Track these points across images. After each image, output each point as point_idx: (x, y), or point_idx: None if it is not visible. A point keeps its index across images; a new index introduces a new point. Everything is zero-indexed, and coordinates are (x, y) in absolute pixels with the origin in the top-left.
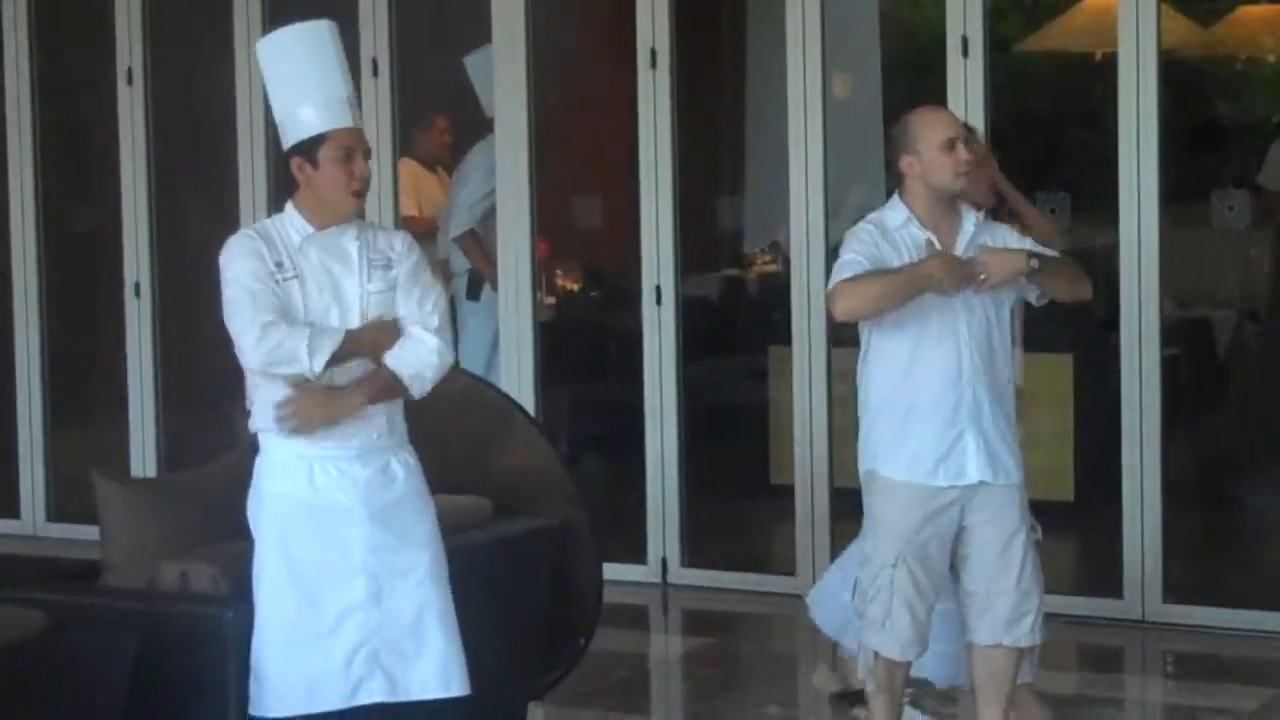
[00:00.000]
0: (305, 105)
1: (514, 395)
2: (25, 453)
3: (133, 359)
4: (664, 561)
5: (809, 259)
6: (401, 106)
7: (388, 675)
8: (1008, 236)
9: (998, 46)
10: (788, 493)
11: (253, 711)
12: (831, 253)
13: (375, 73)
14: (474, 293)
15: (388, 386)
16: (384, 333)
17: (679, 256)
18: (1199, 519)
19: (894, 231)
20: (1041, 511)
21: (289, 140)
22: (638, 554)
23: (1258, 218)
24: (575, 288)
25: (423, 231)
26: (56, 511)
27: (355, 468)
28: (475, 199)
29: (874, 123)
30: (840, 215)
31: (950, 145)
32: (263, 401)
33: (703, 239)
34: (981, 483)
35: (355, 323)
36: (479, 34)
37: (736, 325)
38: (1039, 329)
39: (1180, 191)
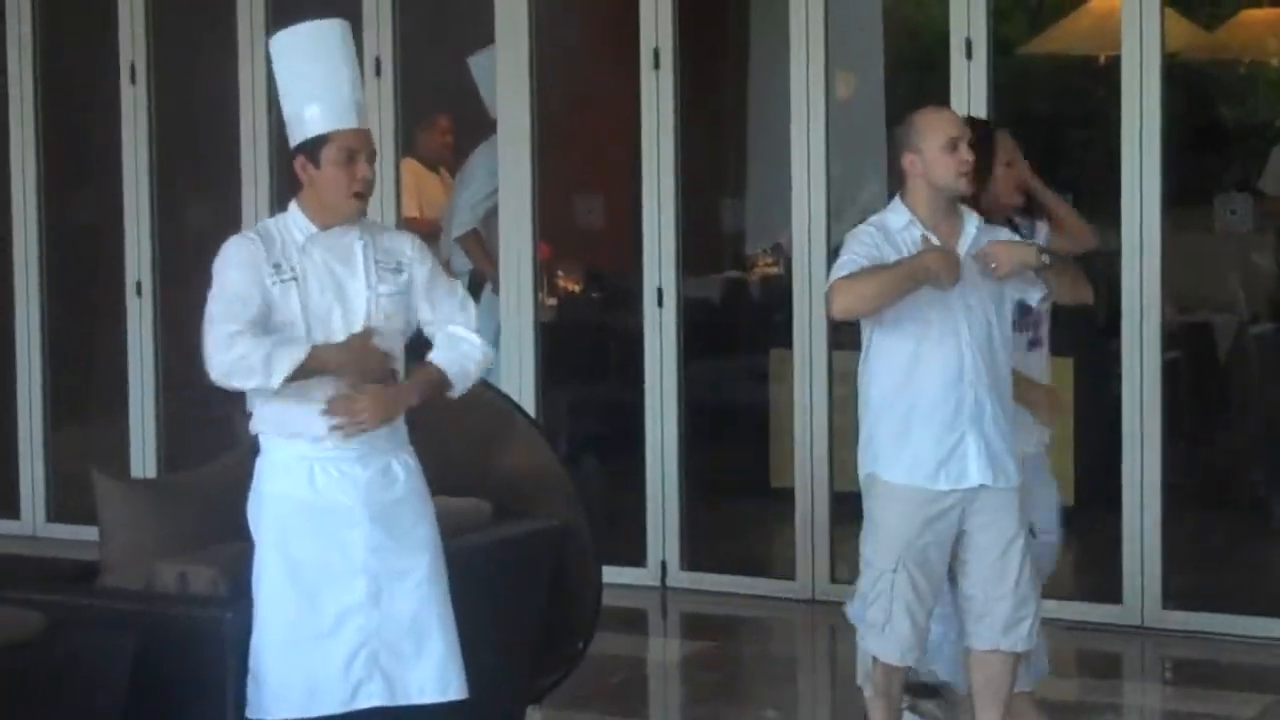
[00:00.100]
0: (311, 104)
1: (515, 396)
2: (25, 452)
3: (133, 358)
4: (663, 564)
5: (811, 261)
6: (404, 106)
7: (387, 678)
8: (1010, 239)
9: (1001, 48)
10: (788, 496)
11: (250, 714)
12: (833, 255)
13: (378, 72)
14: (475, 294)
15: (437, 384)
16: (367, 355)
17: (680, 258)
18: (1199, 524)
19: (896, 233)
20: None
21: (294, 139)
22: (637, 557)
23: (1259, 222)
24: (576, 289)
25: (424, 232)
26: (56, 511)
27: (356, 469)
28: (477, 199)
29: (877, 124)
30: (846, 217)
31: (953, 145)
32: (264, 404)
33: (704, 240)
34: (982, 486)
35: (359, 324)
36: (482, 34)
37: (738, 327)
38: None
39: (1182, 195)
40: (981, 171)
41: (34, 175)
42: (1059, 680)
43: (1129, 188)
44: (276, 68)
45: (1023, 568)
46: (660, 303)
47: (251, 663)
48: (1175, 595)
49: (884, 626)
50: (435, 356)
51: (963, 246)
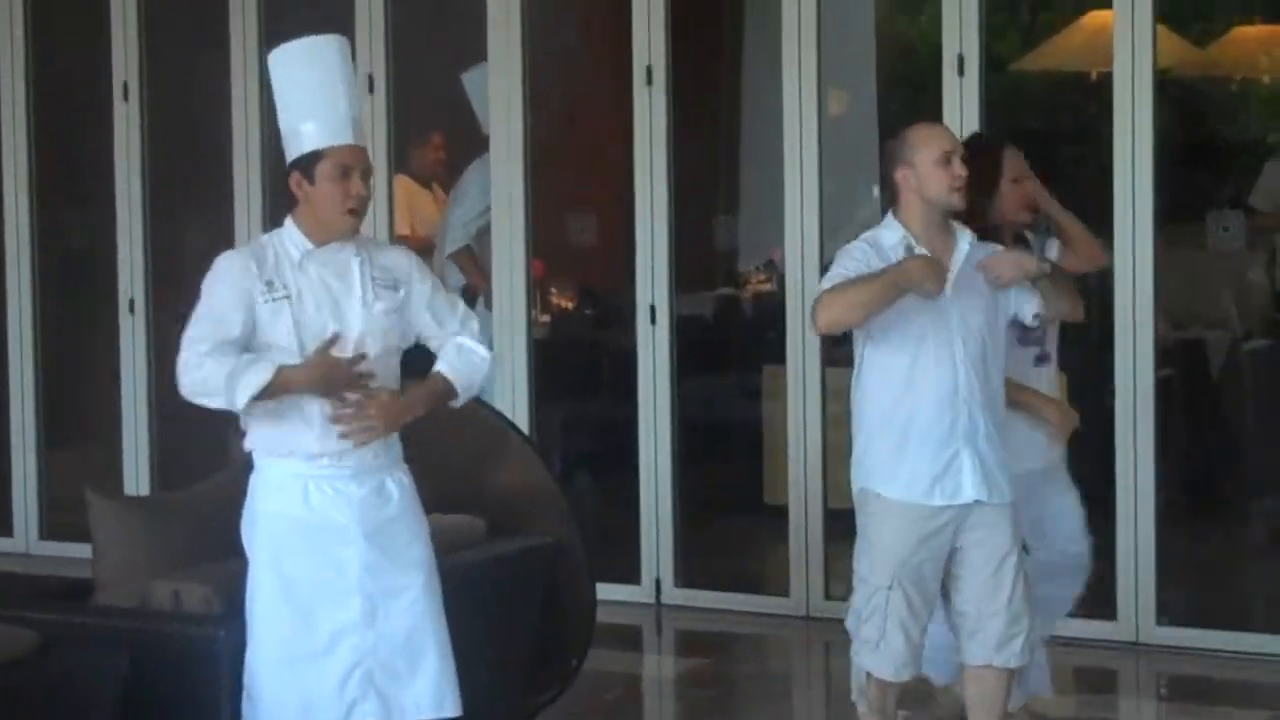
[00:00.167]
0: (307, 120)
1: (508, 413)
2: (18, 470)
3: (126, 377)
4: (658, 581)
5: (804, 277)
6: (397, 123)
7: (381, 697)
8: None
9: (993, 65)
10: (782, 513)
11: None
12: (826, 271)
13: (371, 89)
14: None
15: (442, 395)
16: (332, 370)
17: (674, 275)
18: (1193, 540)
19: (889, 249)
20: None
21: (290, 154)
22: (631, 574)
23: (1251, 238)
24: (570, 306)
25: (417, 249)
26: (49, 529)
27: (351, 487)
28: (470, 217)
29: (869, 141)
30: (839, 233)
31: (946, 159)
32: (258, 423)
33: (697, 257)
34: (977, 502)
35: (353, 341)
36: (475, 51)
37: (731, 344)
38: None
39: (1175, 212)
40: (986, 187)
41: (27, 193)
42: (1054, 696)
43: (1121, 204)
44: (274, 82)
45: (1016, 584)
46: (653, 320)
47: (246, 681)
48: (1169, 611)
49: (878, 643)
50: (444, 367)
51: (956, 262)
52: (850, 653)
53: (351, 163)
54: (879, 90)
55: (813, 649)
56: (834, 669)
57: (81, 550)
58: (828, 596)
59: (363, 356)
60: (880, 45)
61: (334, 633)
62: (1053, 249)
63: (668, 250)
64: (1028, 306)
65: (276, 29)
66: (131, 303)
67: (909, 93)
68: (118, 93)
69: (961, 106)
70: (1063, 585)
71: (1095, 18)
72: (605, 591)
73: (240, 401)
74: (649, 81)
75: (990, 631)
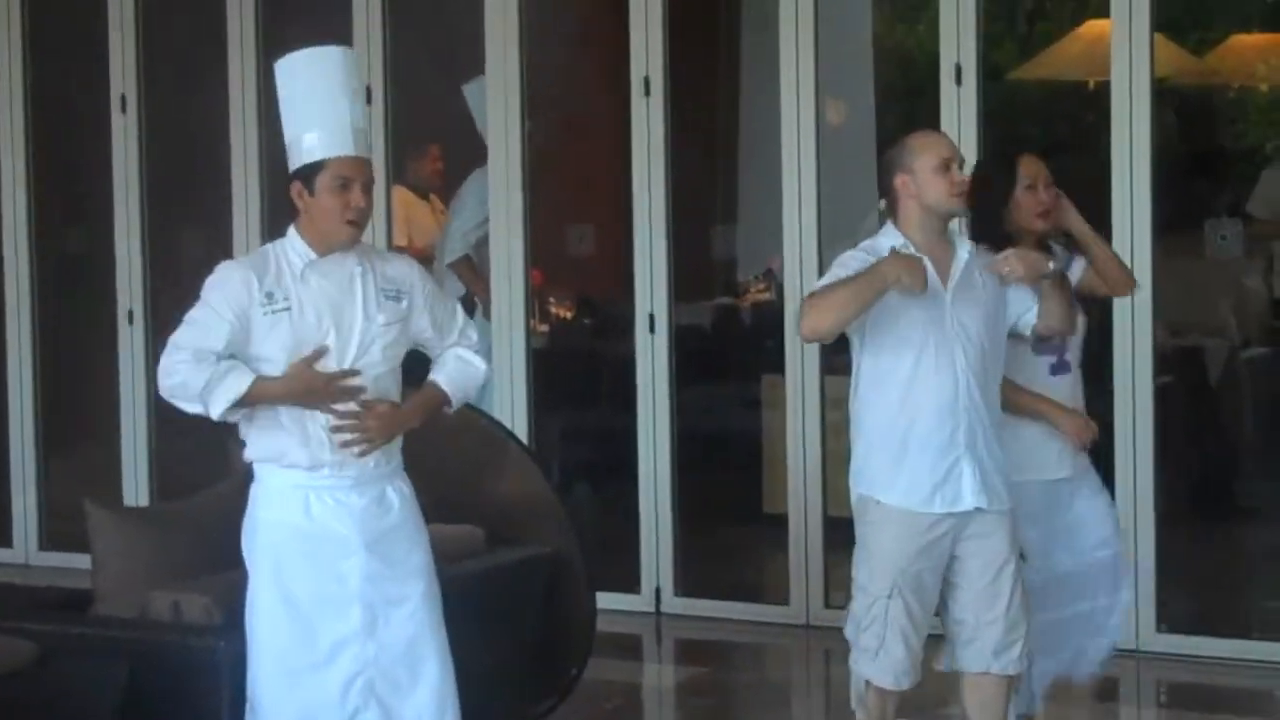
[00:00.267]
0: (309, 130)
1: (507, 423)
2: (17, 481)
3: (125, 386)
4: (657, 590)
5: (802, 286)
6: (395, 134)
7: (383, 706)
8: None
9: (991, 74)
10: (781, 522)
11: None
12: None
13: (369, 100)
14: None
15: (437, 404)
16: (310, 382)
17: (672, 284)
18: (1193, 548)
19: None
20: None
21: (292, 164)
22: (631, 583)
23: (1249, 246)
24: (568, 315)
25: (415, 260)
26: (48, 540)
27: (351, 497)
28: (469, 227)
29: (867, 150)
30: (837, 242)
31: (946, 166)
32: (257, 433)
33: (696, 267)
34: (977, 509)
35: (352, 352)
36: (472, 63)
37: (730, 353)
38: None
39: (1173, 220)
40: (1002, 197)
41: (25, 204)
42: (1055, 705)
43: (1119, 213)
44: (279, 91)
45: (1013, 592)
46: (652, 329)
47: (248, 692)
48: (1169, 619)
49: (878, 651)
50: (440, 377)
51: (956, 271)
52: (849, 661)
53: (352, 174)
54: (877, 100)
55: (812, 658)
56: (834, 677)
57: (81, 561)
58: (827, 605)
59: (354, 372)
60: (878, 55)
61: (335, 643)
62: (1077, 269)
63: (666, 260)
64: (1028, 316)
65: (275, 41)
66: (130, 313)
67: (907, 102)
68: (116, 104)
69: (959, 116)
70: (1099, 594)
71: (1093, 27)
72: (605, 600)
73: (215, 410)
74: (647, 92)
75: (988, 639)
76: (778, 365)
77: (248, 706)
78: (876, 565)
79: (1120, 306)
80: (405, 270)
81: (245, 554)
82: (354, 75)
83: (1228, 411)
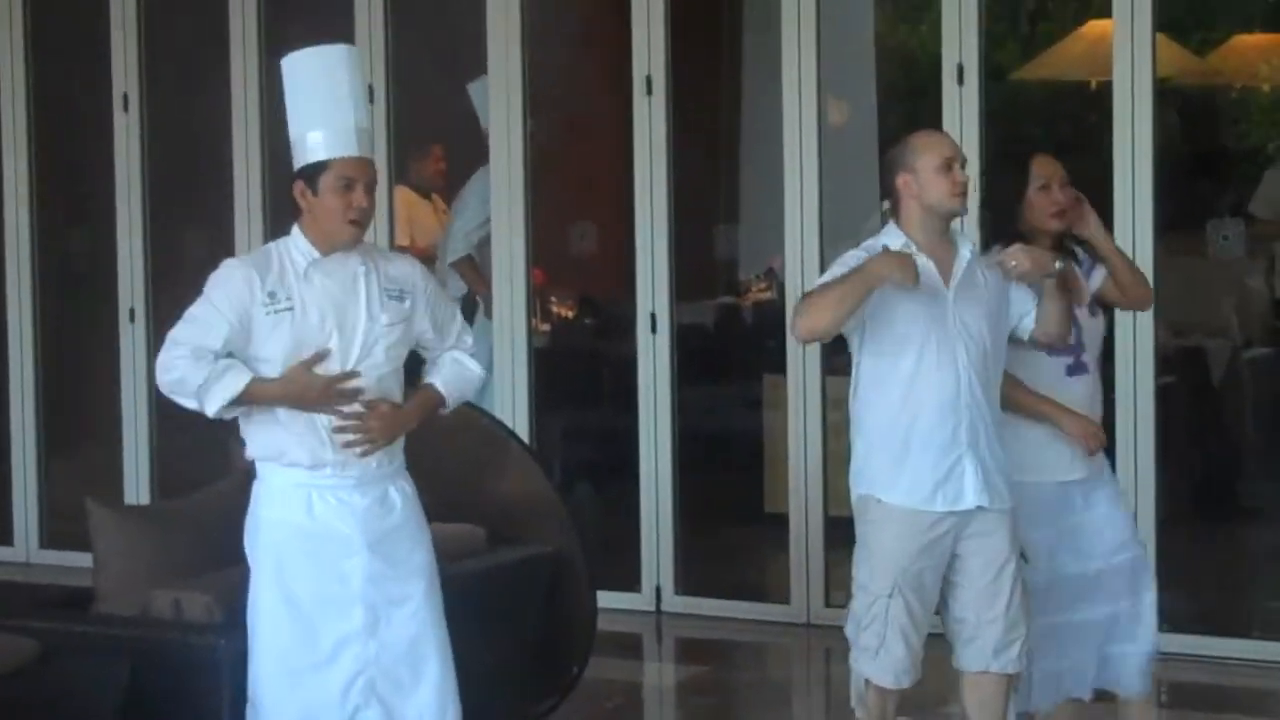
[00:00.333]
0: (313, 130)
1: (508, 422)
2: (19, 479)
3: (127, 385)
4: (658, 589)
5: (804, 286)
6: (398, 134)
7: (384, 705)
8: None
9: (993, 74)
10: (782, 521)
11: None
12: None
13: (371, 100)
14: (468, 318)
15: (434, 406)
16: (306, 386)
17: (674, 283)
18: (1195, 548)
19: None
20: None
21: (296, 162)
22: (632, 582)
23: (1251, 246)
24: (570, 314)
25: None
26: (49, 538)
27: (354, 496)
28: (471, 227)
29: (869, 150)
30: (840, 243)
31: (948, 165)
32: (258, 433)
33: (698, 266)
34: (978, 508)
35: (355, 353)
36: (475, 62)
37: (731, 353)
38: None
39: (1175, 220)
40: (1014, 196)
41: (27, 203)
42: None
43: (1121, 213)
44: (285, 89)
45: (1014, 591)
46: (654, 328)
47: (249, 690)
48: (1171, 619)
49: (878, 650)
50: (437, 379)
51: (958, 271)
52: (849, 659)
53: (355, 175)
54: (879, 100)
55: (813, 656)
56: (834, 676)
57: (82, 559)
58: (828, 604)
59: (353, 374)
60: (880, 55)
61: (336, 643)
62: (1097, 277)
63: (668, 259)
64: (1027, 320)
65: (277, 40)
66: (132, 312)
67: (909, 102)
68: (118, 103)
69: (961, 116)
70: (1115, 599)
71: (1095, 27)
72: (606, 599)
73: (210, 408)
74: (649, 91)
75: (988, 638)
76: (779, 365)
77: (249, 705)
78: (877, 564)
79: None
80: (408, 270)
81: (247, 552)
82: (359, 74)
83: (1230, 412)
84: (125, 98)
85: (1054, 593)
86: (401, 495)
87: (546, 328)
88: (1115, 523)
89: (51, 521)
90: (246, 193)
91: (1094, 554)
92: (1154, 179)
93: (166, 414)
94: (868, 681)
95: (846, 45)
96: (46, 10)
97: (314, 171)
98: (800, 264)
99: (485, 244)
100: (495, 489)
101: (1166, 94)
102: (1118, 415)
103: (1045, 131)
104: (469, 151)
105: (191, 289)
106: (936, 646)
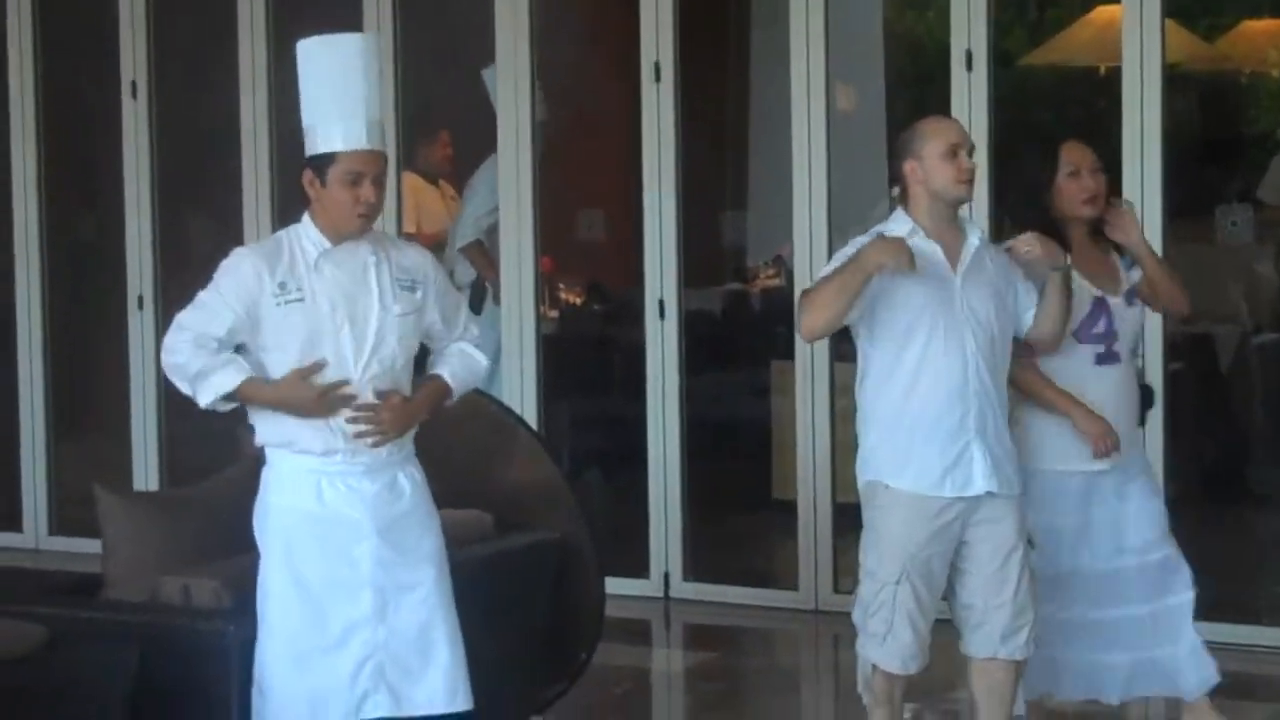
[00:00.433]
0: (324, 120)
1: (516, 409)
2: (27, 466)
3: (135, 372)
4: (666, 576)
5: (812, 273)
6: (406, 120)
7: (392, 690)
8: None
9: (1001, 60)
10: (790, 507)
11: None
12: None
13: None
14: (477, 306)
15: (442, 398)
16: (297, 394)
17: (682, 270)
18: (1204, 535)
19: None
20: None
21: (307, 149)
22: (640, 568)
23: (1260, 232)
24: (578, 301)
25: (424, 246)
26: (58, 525)
27: (363, 483)
28: (480, 213)
29: (877, 136)
30: (848, 229)
31: (953, 152)
32: (265, 420)
33: (706, 253)
34: (987, 494)
35: (369, 344)
36: (484, 50)
37: (739, 340)
38: None
39: (1184, 206)
40: (1042, 183)
41: (36, 190)
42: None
43: (1130, 198)
44: (299, 74)
45: (1021, 578)
46: (662, 315)
47: (256, 674)
48: None
49: (885, 636)
50: (444, 371)
51: (966, 257)
52: (857, 645)
53: (363, 169)
54: (887, 86)
55: (821, 643)
56: (842, 662)
57: (91, 545)
58: (836, 590)
59: (343, 383)
60: (888, 41)
61: (345, 628)
62: (1137, 272)
63: (676, 246)
64: (1026, 317)
65: (285, 26)
66: (140, 299)
67: (917, 89)
68: (126, 91)
69: (970, 102)
70: (1131, 602)
71: (1103, 12)
72: (614, 585)
73: (201, 400)
74: (657, 78)
75: (996, 624)
76: (787, 351)
77: (255, 690)
78: (885, 550)
79: None
80: (419, 260)
81: (257, 537)
82: (373, 64)
83: (1239, 398)
84: (134, 85)
85: (1060, 587)
86: (410, 482)
87: (555, 314)
88: (1147, 517)
89: (60, 508)
90: (255, 180)
91: (1124, 549)
92: (1163, 165)
93: (175, 400)
94: (875, 667)
95: (855, 32)
96: None
97: (323, 163)
98: (809, 250)
99: (494, 230)
100: (503, 475)
101: (1175, 80)
102: None
103: (1054, 117)
104: (478, 138)
105: (200, 276)
106: (944, 633)
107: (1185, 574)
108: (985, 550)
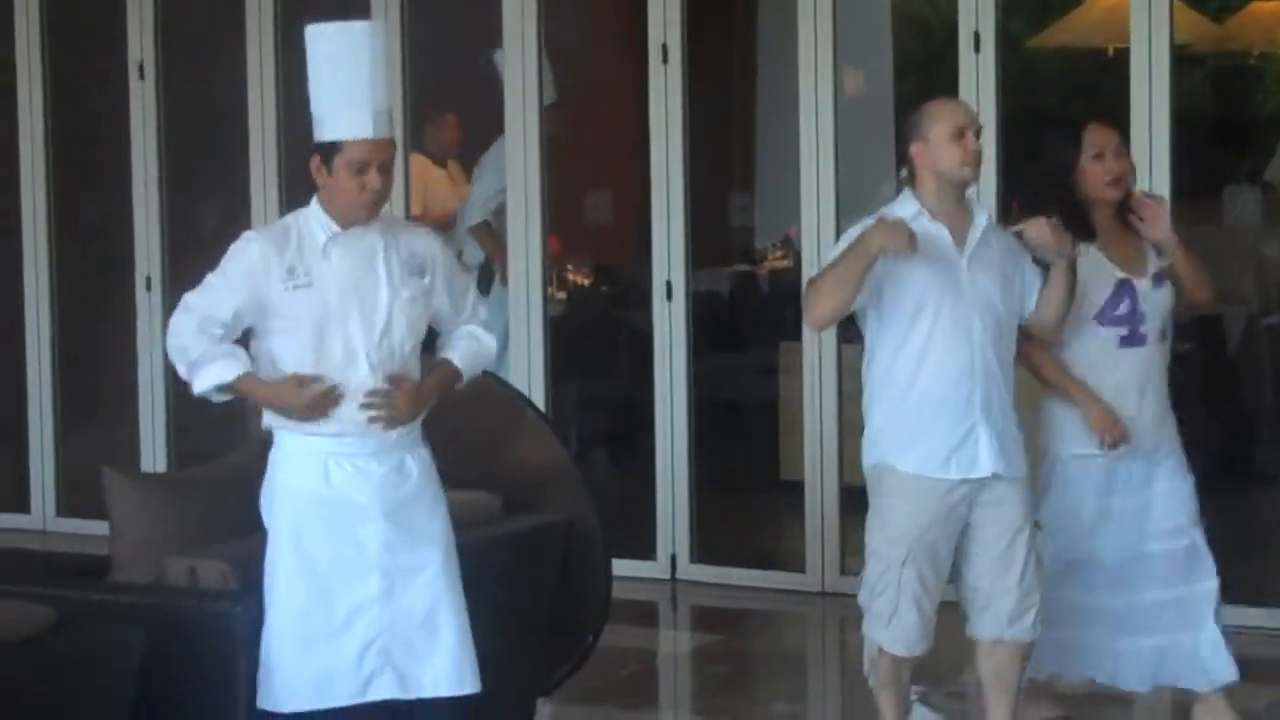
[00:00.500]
0: (331, 107)
1: (524, 390)
2: (35, 447)
3: (143, 354)
4: (673, 557)
5: (820, 254)
6: (414, 102)
7: (399, 672)
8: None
9: (1009, 42)
10: (797, 489)
11: (261, 705)
12: None
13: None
14: (485, 288)
15: (452, 381)
16: (289, 398)
17: (690, 252)
18: (1211, 517)
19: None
20: None
21: (315, 135)
22: (647, 550)
23: (1268, 213)
24: (586, 283)
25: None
26: (66, 506)
27: (371, 464)
28: (489, 195)
29: (885, 119)
30: (856, 211)
31: (960, 133)
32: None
33: (714, 234)
34: (993, 475)
35: (378, 329)
36: (490, 30)
37: (747, 321)
38: None
39: (1192, 187)
40: (1062, 164)
41: (43, 172)
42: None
43: (1138, 180)
44: (307, 58)
45: (1028, 560)
46: (669, 296)
47: (263, 655)
48: None
49: (890, 618)
50: (454, 354)
51: (973, 239)
52: (862, 627)
53: (369, 158)
54: (895, 68)
55: (828, 624)
56: (849, 644)
57: (98, 527)
58: (843, 572)
59: (332, 388)
60: (896, 23)
61: (351, 609)
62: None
63: (684, 227)
64: (1028, 304)
65: (293, 8)
66: (148, 280)
67: (925, 71)
68: (133, 72)
69: (978, 84)
70: (1175, 582)
71: None
72: (621, 567)
73: (197, 387)
74: (665, 59)
75: (1002, 607)
76: (795, 332)
77: (261, 670)
78: (891, 532)
79: None
80: (428, 244)
81: (264, 518)
82: (381, 52)
83: (1247, 379)
84: (141, 66)
85: (1088, 571)
86: (418, 464)
87: (562, 296)
88: (1177, 500)
89: (68, 489)
90: (262, 162)
91: (1150, 533)
92: (1171, 146)
93: (183, 382)
94: (881, 649)
95: (863, 13)
96: None
97: (329, 150)
98: (816, 232)
99: (502, 212)
100: (511, 457)
101: (1184, 61)
102: None
103: (1062, 99)
104: (487, 119)
105: (207, 257)
106: (950, 615)
107: (1209, 563)
108: (991, 533)
